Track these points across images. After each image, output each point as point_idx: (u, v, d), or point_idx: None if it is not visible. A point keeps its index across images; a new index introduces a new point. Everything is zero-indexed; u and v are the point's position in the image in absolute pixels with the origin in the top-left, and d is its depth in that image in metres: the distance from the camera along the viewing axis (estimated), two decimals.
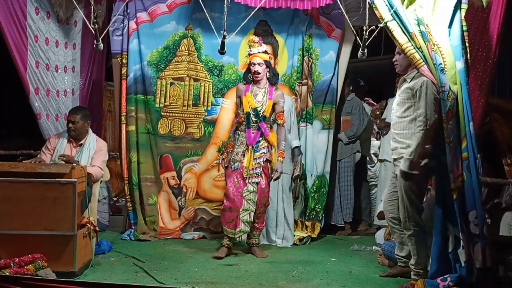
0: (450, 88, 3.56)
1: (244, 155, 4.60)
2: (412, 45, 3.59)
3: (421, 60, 3.58)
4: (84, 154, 4.52)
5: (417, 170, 3.66)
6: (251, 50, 4.66)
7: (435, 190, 3.83)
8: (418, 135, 3.62)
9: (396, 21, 3.62)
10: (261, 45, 4.67)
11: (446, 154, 3.56)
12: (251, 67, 4.65)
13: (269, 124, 4.69)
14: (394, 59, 3.97)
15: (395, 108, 3.88)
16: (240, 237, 4.61)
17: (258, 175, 4.60)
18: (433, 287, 3.58)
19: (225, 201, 4.65)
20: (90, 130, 4.70)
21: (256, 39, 4.69)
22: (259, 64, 4.61)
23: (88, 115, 4.66)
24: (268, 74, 4.68)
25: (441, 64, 3.58)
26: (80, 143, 4.59)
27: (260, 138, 4.63)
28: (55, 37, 5.12)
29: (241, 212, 4.58)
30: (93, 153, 4.56)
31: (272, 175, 4.69)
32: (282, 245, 5.23)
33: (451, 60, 3.61)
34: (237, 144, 4.67)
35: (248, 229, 4.63)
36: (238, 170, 4.61)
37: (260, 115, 4.60)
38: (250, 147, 4.59)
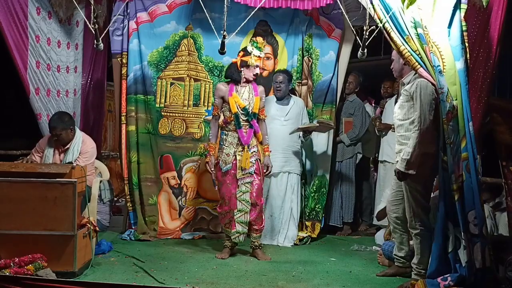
0: (448, 89, 3.57)
1: (235, 156, 4.56)
2: (407, 47, 3.62)
3: (417, 63, 3.61)
4: (68, 158, 4.43)
5: (413, 169, 3.68)
6: (261, 53, 4.62)
7: (438, 190, 3.84)
8: (414, 135, 3.66)
9: (391, 25, 3.65)
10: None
11: (447, 154, 3.58)
12: (254, 68, 4.58)
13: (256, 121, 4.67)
14: (391, 66, 4.02)
15: (397, 112, 3.92)
16: (237, 238, 4.60)
17: (251, 174, 4.58)
18: (433, 287, 3.58)
19: (220, 204, 4.68)
20: (77, 131, 4.58)
21: (261, 39, 4.66)
22: (260, 67, 4.65)
23: (68, 121, 4.48)
24: None
25: (439, 66, 3.60)
26: (66, 147, 4.49)
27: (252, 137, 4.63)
28: (57, 37, 5.10)
29: (235, 213, 4.56)
30: (77, 156, 4.45)
31: (265, 171, 4.70)
32: (283, 245, 5.23)
33: (451, 60, 3.62)
34: (226, 145, 4.60)
35: (245, 230, 4.60)
36: (229, 171, 4.57)
37: (250, 113, 4.58)
38: (246, 147, 4.56)
